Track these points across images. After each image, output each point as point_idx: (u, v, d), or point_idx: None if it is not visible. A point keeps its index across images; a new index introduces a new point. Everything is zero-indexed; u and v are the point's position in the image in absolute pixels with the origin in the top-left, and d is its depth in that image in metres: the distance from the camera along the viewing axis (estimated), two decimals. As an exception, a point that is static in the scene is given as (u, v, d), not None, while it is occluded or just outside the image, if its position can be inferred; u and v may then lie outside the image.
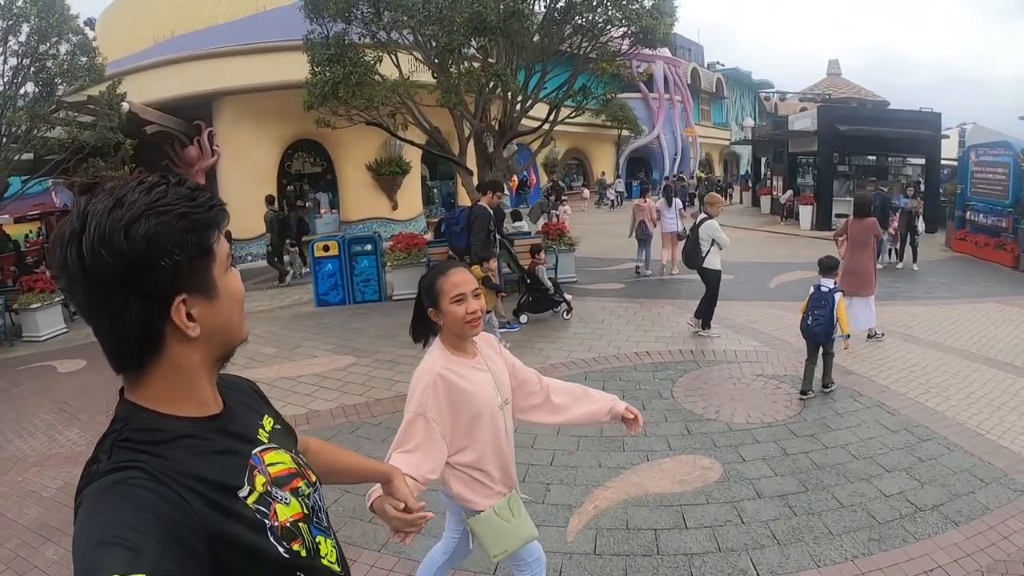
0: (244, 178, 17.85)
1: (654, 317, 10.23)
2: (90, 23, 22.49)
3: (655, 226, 14.21)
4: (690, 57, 46.52)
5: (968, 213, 16.15)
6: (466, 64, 11.77)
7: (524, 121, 13.04)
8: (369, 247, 12.49)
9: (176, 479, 1.03)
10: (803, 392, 6.72)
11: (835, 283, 6.90)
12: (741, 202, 33.74)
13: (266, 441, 1.26)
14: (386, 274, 12.55)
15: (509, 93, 11.91)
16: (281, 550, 1.15)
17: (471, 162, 13.43)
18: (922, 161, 21.42)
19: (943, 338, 8.75)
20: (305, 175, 20.85)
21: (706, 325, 9.11)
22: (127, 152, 14.19)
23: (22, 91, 12.72)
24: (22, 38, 12.24)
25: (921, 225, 13.83)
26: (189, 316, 1.08)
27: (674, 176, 34.37)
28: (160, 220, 1.02)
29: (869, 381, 7.16)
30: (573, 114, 13.30)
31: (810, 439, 5.81)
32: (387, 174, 19.77)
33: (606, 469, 5.43)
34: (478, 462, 2.63)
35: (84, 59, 13.14)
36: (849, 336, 6.88)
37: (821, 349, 6.82)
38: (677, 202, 14.70)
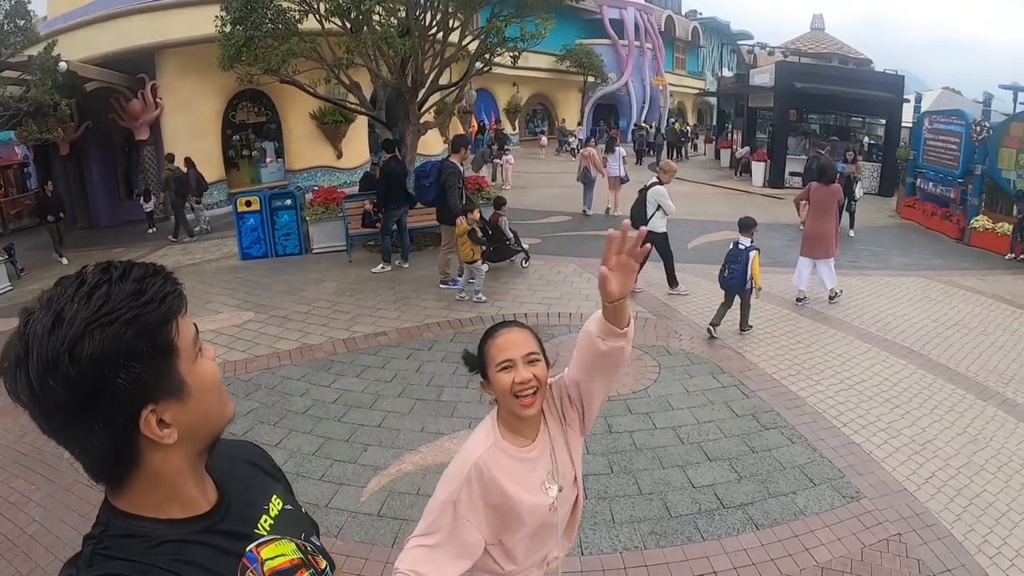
0: (188, 129, 17.76)
1: (552, 276, 9.70)
2: None
3: (600, 172, 15.28)
4: (665, 4, 45.01)
5: (919, 180, 15.58)
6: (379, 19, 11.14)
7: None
8: (289, 202, 12.53)
9: None
10: (712, 324, 7.19)
11: (751, 241, 7.20)
12: (705, 155, 32.93)
13: (266, 532, 1.16)
14: (309, 227, 12.56)
15: (409, 51, 11.24)
16: None
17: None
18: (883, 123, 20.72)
19: (844, 313, 8.25)
20: (250, 124, 20.40)
21: (673, 284, 9.01)
22: (64, 112, 14.49)
23: None
24: None
25: (859, 191, 13.27)
26: (161, 422, 0.98)
27: (634, 126, 33.65)
28: (106, 333, 0.91)
29: (739, 357, 6.68)
30: (485, 68, 12.61)
31: (643, 417, 5.34)
32: (331, 123, 19.52)
33: (426, 434, 5.35)
34: (504, 560, 2.07)
35: (22, 22, 13.42)
36: (761, 288, 7.25)
37: (738, 299, 7.25)
38: (620, 150, 15.78)
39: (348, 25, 10.98)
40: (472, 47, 12.19)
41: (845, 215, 13.11)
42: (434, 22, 11.68)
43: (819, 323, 7.86)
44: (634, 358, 6.55)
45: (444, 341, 7.35)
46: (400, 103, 12.39)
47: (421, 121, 12.64)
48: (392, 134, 12.71)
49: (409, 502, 4.34)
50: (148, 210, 16.84)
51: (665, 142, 29.29)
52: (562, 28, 35.24)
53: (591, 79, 35.70)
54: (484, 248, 9.08)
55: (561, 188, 18.99)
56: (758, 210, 15.41)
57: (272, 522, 1.20)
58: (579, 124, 35.59)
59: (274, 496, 1.26)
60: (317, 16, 11.04)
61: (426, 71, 11.88)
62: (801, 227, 12.51)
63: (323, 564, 1.26)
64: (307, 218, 12.43)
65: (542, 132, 36.93)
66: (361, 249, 11.65)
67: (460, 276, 9.24)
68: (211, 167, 18.44)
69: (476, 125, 29.24)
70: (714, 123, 41.29)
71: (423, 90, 12.23)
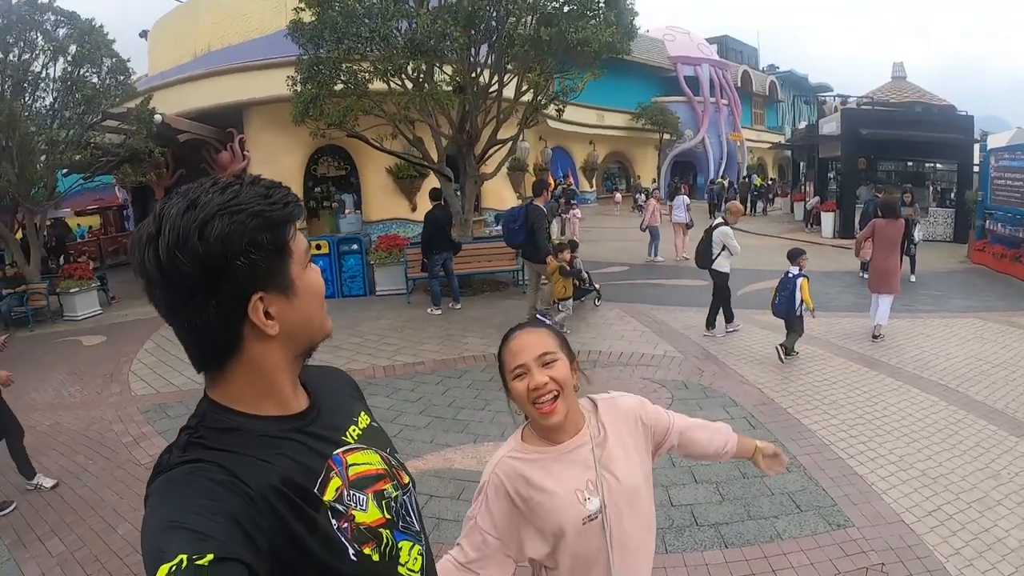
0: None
1: (593, 319, 10.01)
2: (143, 35, 24.68)
3: (659, 220, 16.71)
4: (742, 59, 45.08)
5: (988, 222, 14.95)
6: (440, 75, 11.93)
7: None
8: (355, 247, 13.42)
9: (248, 476, 1.01)
10: (787, 354, 7.68)
11: (800, 270, 7.73)
12: (781, 209, 32.40)
13: (353, 441, 1.23)
14: (374, 271, 13.31)
15: (466, 107, 12.03)
16: (351, 551, 1.10)
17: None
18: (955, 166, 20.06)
19: (881, 353, 8.03)
20: (330, 178, 21.64)
21: (729, 320, 9.11)
22: (158, 159, 15.85)
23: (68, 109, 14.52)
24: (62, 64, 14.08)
25: (918, 234, 12.88)
26: (267, 314, 1.07)
27: (709, 182, 33.53)
28: (234, 219, 1.01)
29: (757, 391, 6.65)
30: (531, 122, 13.22)
31: (642, 444, 5.38)
32: (406, 178, 20.29)
33: (434, 445, 5.74)
34: None
35: (121, 77, 14.95)
36: (814, 310, 7.80)
37: (790, 323, 7.72)
38: (685, 199, 16.61)
39: (410, 85, 11.70)
40: (525, 98, 12.71)
41: (905, 260, 12.77)
42: (491, 81, 12.29)
43: (851, 361, 7.70)
44: (649, 391, 6.65)
45: (475, 371, 7.71)
46: (460, 156, 13.02)
47: (479, 173, 13.23)
48: (454, 186, 13.29)
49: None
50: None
51: (737, 196, 29.14)
52: (638, 86, 35.97)
53: (667, 136, 35.96)
54: (576, 284, 9.48)
55: (626, 241, 19.34)
56: (820, 258, 15.22)
57: (360, 432, 1.27)
58: (653, 181, 35.73)
59: (362, 412, 1.35)
60: (381, 78, 11.80)
61: (480, 126, 12.41)
62: (861, 274, 12.36)
63: (406, 479, 1.31)
64: (372, 262, 13.17)
65: (617, 189, 37.19)
66: (421, 292, 12.22)
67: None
68: (293, 216, 19.61)
69: (553, 182, 29.82)
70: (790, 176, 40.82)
71: (479, 144, 12.81)
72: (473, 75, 12.08)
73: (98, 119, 14.84)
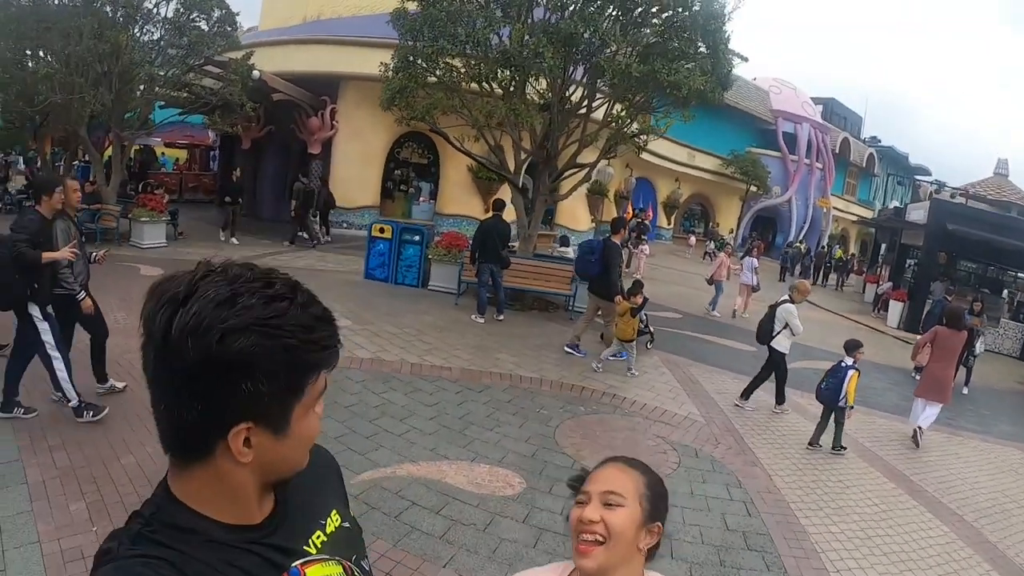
0: (357, 156, 19.96)
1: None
2: None
3: (727, 276, 16.62)
4: (845, 126, 44.06)
5: (1060, 348, 14.37)
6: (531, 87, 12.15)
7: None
8: (417, 238, 13.78)
9: None
10: (809, 443, 7.65)
11: (855, 362, 7.69)
12: (854, 286, 31.66)
13: (315, 551, 1.13)
14: (430, 265, 13.57)
15: (550, 125, 12.15)
16: None
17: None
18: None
19: (907, 466, 7.78)
20: (411, 163, 22.31)
21: (779, 403, 8.97)
22: (248, 112, 16.58)
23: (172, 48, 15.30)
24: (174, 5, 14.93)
25: (980, 346, 12.45)
26: (248, 441, 0.97)
27: (787, 244, 32.87)
28: (263, 343, 0.92)
29: (766, 478, 6.54)
30: (611, 155, 13.37)
31: (631, 508, 5.38)
32: (485, 179, 20.59)
33: (434, 454, 5.90)
34: None
35: (228, 28, 15.78)
36: (853, 407, 7.71)
37: (833, 415, 7.62)
38: (754, 261, 16.55)
39: (499, 92, 11.85)
40: (605, 130, 12.75)
41: (961, 370, 12.36)
42: (580, 103, 12.36)
43: (873, 467, 7.48)
44: (659, 451, 6.63)
45: (496, 390, 7.81)
46: (536, 172, 13.18)
47: (551, 193, 13.34)
48: (525, 200, 13.42)
49: (385, 498, 4.98)
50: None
51: (812, 264, 28.63)
52: (734, 132, 35.59)
53: (753, 189, 35.44)
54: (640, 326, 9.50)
55: (689, 288, 19.26)
56: (878, 348, 14.88)
57: (325, 539, 1.17)
58: (731, 231, 35.25)
59: (334, 511, 1.23)
60: (473, 80, 11.98)
61: (560, 147, 12.50)
62: (914, 375, 12.01)
63: None
64: (430, 256, 13.42)
65: (693, 232, 36.83)
66: (471, 296, 12.30)
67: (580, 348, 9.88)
68: (369, 193, 20.31)
69: (631, 212, 29.75)
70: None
71: (558, 164, 12.91)
72: (562, 96, 12.16)
73: (199, 63, 15.62)
